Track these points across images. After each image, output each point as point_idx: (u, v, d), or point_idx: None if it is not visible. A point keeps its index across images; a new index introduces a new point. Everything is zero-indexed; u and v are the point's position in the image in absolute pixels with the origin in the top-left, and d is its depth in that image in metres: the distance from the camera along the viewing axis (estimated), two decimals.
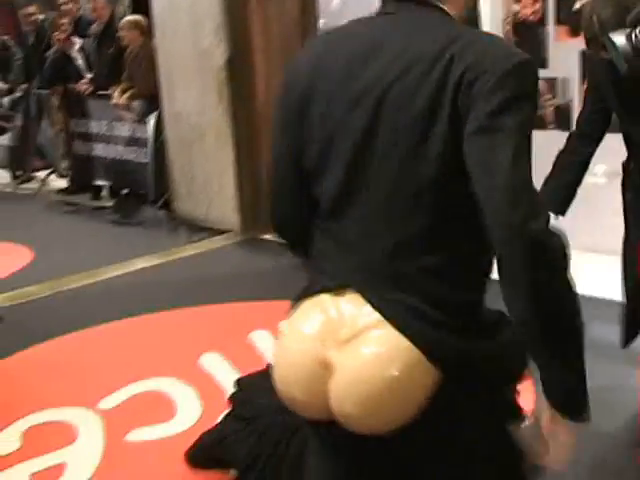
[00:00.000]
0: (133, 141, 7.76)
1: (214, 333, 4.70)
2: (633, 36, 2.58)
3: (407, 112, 1.61)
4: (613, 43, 2.59)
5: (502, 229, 1.50)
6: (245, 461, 3.09)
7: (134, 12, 10.76)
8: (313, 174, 1.79)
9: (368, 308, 1.67)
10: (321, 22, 7.50)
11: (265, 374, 3.53)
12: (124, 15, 10.50)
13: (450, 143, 1.57)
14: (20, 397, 4.09)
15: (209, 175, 6.89)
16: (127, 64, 7.70)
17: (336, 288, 1.73)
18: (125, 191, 8.11)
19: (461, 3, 1.75)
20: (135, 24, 7.54)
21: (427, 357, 1.61)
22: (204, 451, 3.29)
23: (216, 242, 6.66)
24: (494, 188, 1.50)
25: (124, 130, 7.84)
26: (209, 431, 3.33)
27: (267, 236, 6.66)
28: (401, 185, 1.64)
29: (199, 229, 6.95)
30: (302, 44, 6.46)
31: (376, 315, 1.66)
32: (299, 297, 1.80)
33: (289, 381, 1.75)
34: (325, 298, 1.74)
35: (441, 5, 1.71)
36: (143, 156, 7.62)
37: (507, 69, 1.54)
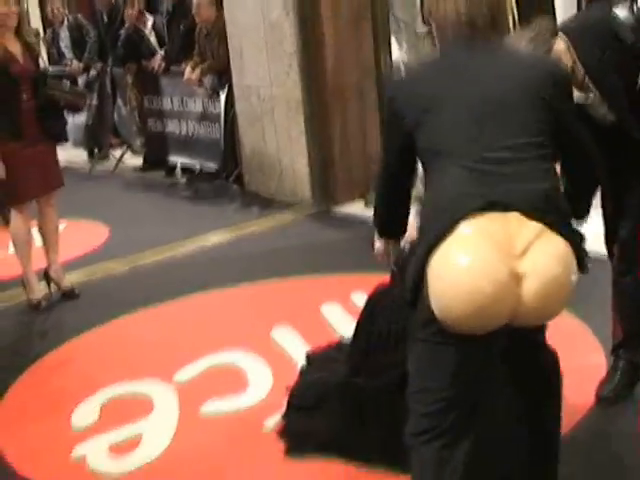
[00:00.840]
0: (205, 116, 7.81)
1: (286, 306, 4.72)
2: (635, 8, 2.87)
3: (517, 101, 2.37)
4: (617, 17, 2.87)
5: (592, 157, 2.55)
6: (325, 436, 3.20)
7: None
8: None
9: (527, 223, 2.22)
10: None
11: (335, 347, 3.58)
12: None
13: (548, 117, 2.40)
14: (98, 371, 4.19)
15: (280, 148, 6.90)
16: (199, 40, 7.72)
17: (487, 209, 2.23)
18: (198, 167, 8.18)
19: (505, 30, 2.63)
20: (213, 0, 7.52)
21: (574, 250, 2.30)
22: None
23: (287, 215, 6.67)
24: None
25: (196, 106, 7.90)
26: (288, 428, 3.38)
27: (337, 208, 6.65)
28: (527, 133, 2.34)
29: (271, 202, 6.97)
30: (371, 14, 6.41)
31: (534, 226, 2.23)
32: (450, 223, 2.24)
33: (476, 294, 2.17)
34: (484, 223, 2.23)
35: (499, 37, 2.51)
36: (215, 131, 7.67)
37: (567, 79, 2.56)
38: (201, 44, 7.66)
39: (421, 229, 2.38)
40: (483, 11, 2.42)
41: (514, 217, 2.23)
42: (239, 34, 6.99)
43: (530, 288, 2.19)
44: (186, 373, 4.01)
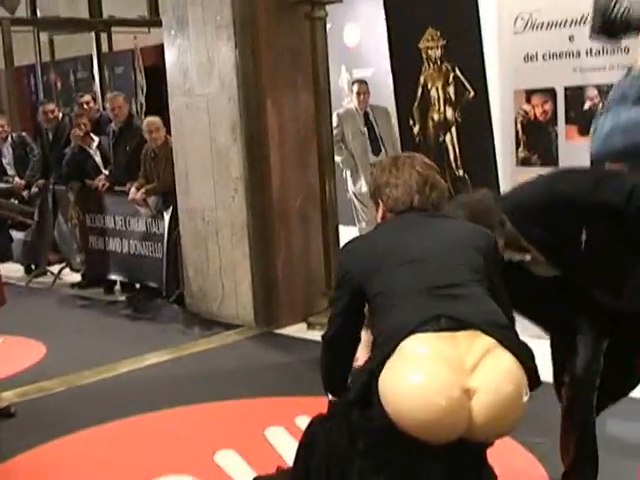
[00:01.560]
0: (148, 236, 7.84)
1: (229, 429, 4.66)
2: (616, 8, 2.92)
3: (461, 250, 2.71)
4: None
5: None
6: None
7: (147, 110, 11.08)
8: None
9: (476, 340, 2.38)
10: (334, 118, 7.68)
11: (283, 473, 3.52)
12: (136, 114, 10.77)
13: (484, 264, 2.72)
14: None
15: (223, 270, 6.94)
16: (145, 161, 7.82)
17: (435, 323, 2.41)
18: (138, 285, 8.14)
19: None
20: (162, 124, 7.67)
21: (524, 367, 2.43)
22: None
23: (229, 337, 6.65)
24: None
25: (139, 225, 7.93)
26: None
27: (280, 331, 6.67)
28: (471, 272, 2.65)
29: (212, 324, 6.96)
30: (316, 141, 6.61)
31: (483, 343, 2.38)
32: (399, 337, 2.43)
33: (430, 410, 2.29)
34: (434, 343, 2.38)
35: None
36: (158, 251, 7.69)
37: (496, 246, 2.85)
38: (147, 166, 7.77)
39: (374, 346, 2.57)
40: (432, 200, 2.86)
41: (463, 336, 2.40)
42: (186, 157, 7.12)
43: (481, 402, 2.32)
44: None
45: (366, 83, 8.36)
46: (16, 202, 5.47)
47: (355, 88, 8.32)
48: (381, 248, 2.71)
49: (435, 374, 2.34)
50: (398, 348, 2.41)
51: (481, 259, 2.69)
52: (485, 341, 2.40)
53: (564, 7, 5.36)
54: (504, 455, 3.91)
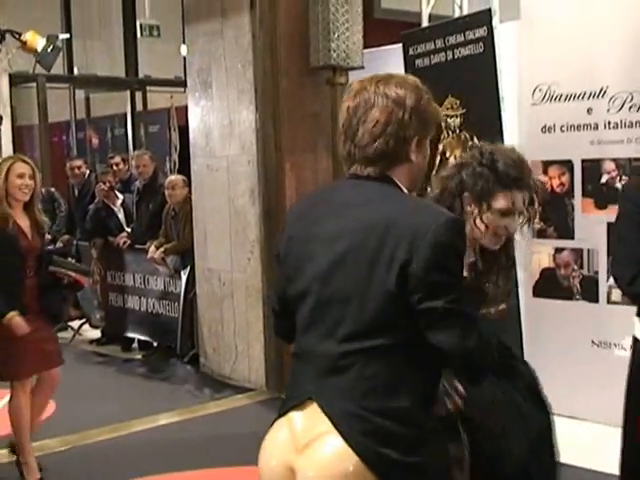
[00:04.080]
0: (166, 295, 7.85)
1: None
2: None
3: (364, 266, 2.06)
4: None
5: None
6: None
7: (180, 169, 11.18)
8: (294, 301, 2.27)
9: (320, 418, 2.07)
10: None
11: None
12: (169, 172, 10.89)
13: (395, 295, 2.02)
14: None
15: (237, 332, 6.91)
16: (166, 220, 7.87)
17: (303, 401, 2.15)
18: (155, 344, 8.13)
19: (411, 179, 2.17)
20: (185, 183, 7.74)
21: (368, 466, 2.00)
22: None
23: (240, 400, 6.59)
24: None
25: (158, 284, 7.96)
26: None
27: None
28: (354, 313, 2.08)
29: (224, 386, 6.91)
30: None
31: (323, 426, 2.06)
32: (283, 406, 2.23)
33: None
34: (293, 413, 2.16)
35: (395, 179, 2.13)
36: (174, 310, 7.69)
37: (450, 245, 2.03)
38: (167, 225, 7.82)
39: None
40: (362, 145, 2.11)
41: (313, 410, 2.11)
42: (205, 218, 7.14)
43: None
44: None
45: None
46: (73, 261, 5.33)
47: None
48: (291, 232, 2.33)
49: (272, 449, 2.19)
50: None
51: (391, 283, 2.01)
52: (324, 423, 2.07)
53: (582, 79, 5.34)
54: None
